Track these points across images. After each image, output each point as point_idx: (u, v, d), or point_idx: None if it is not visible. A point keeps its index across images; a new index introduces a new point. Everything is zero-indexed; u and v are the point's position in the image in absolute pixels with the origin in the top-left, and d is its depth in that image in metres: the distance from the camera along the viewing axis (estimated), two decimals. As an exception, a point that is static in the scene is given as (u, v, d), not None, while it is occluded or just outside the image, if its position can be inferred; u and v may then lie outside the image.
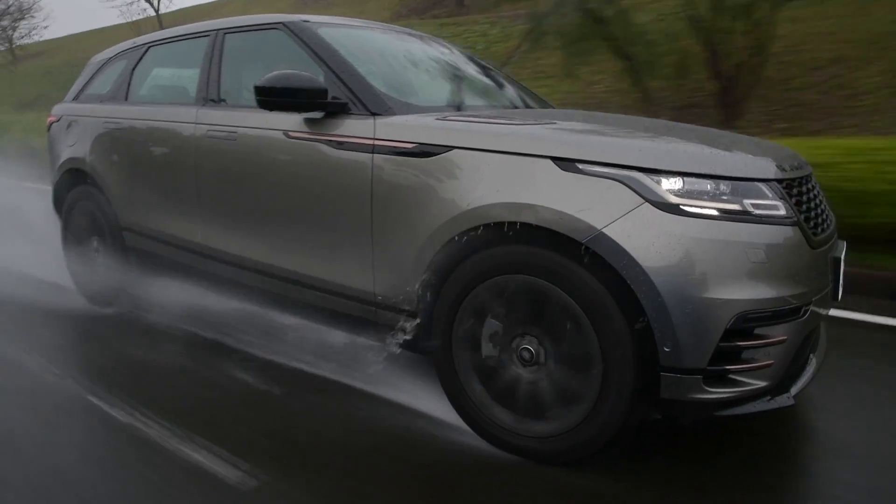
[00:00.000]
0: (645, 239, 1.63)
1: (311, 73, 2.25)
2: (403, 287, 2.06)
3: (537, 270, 1.78)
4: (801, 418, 2.18)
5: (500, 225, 1.82)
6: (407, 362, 2.40)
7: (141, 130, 3.05)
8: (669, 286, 1.61)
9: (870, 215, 3.65)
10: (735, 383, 1.69)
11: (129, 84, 3.34)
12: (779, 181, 1.78)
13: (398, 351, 2.15)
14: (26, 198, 5.35)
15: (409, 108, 2.22)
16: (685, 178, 1.68)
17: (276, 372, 2.50)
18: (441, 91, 2.73)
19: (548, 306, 1.79)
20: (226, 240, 2.64)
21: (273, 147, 2.41)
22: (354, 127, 2.18)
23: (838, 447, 2.01)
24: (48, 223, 3.79)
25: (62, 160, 3.51)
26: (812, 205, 1.92)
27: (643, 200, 1.65)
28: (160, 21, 29.17)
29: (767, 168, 1.79)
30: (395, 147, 2.06)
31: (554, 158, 1.76)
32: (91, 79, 3.63)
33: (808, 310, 1.76)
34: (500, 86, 2.99)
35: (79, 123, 3.45)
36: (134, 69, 3.35)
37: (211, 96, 2.79)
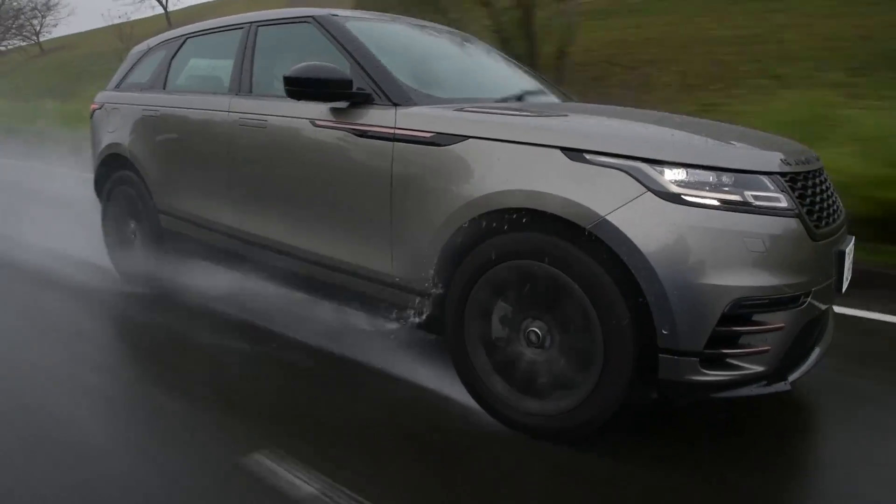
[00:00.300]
0: (646, 226, 1.74)
1: (337, 65, 2.40)
2: (420, 270, 2.20)
3: (545, 256, 1.90)
4: (807, 408, 2.26)
5: (510, 211, 1.95)
6: (422, 342, 2.54)
7: (177, 118, 3.25)
8: (668, 272, 1.71)
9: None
10: (732, 367, 1.79)
11: (167, 73, 3.55)
12: (782, 174, 1.86)
13: (415, 330, 2.30)
14: None
15: (429, 99, 2.36)
16: (688, 169, 1.78)
17: (297, 349, 2.67)
18: (462, 83, 2.85)
19: (554, 290, 1.91)
20: (255, 222, 2.81)
21: (300, 135, 2.58)
22: (377, 116, 2.32)
23: (838, 437, 2.08)
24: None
25: (103, 146, 3.74)
26: (818, 198, 1.99)
27: (645, 189, 1.76)
28: (168, 19, 30.88)
29: (771, 161, 1.88)
30: (414, 136, 2.19)
31: (562, 149, 1.88)
32: (132, 68, 3.86)
33: (806, 300, 1.84)
34: (522, 79, 3.10)
35: (119, 111, 3.67)
36: (172, 59, 3.56)
37: (243, 86, 2.97)
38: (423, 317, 2.23)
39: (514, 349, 2.03)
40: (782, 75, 8.13)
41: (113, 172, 3.70)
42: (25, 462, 1.84)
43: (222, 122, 2.94)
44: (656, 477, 1.82)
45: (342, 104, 2.41)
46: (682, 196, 1.75)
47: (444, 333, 2.19)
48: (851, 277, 2.21)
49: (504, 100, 2.72)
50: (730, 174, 1.80)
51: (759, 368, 1.80)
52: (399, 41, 2.88)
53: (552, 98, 3.05)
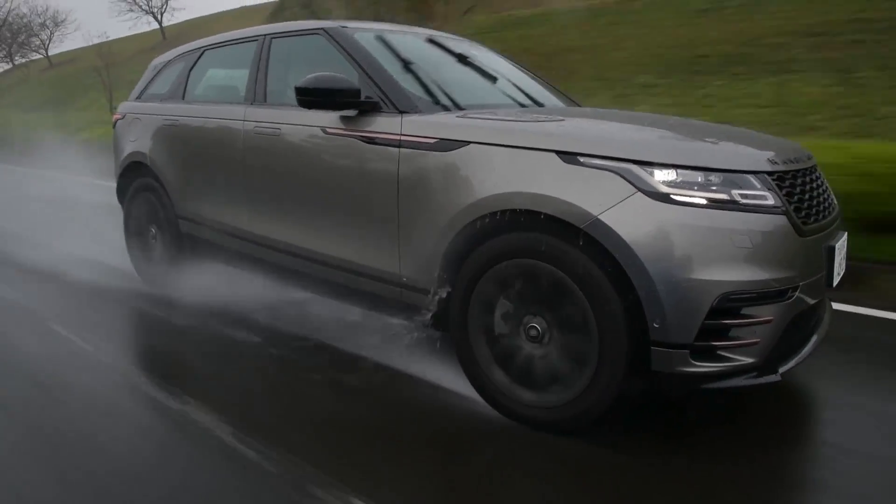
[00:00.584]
0: (636, 225, 1.86)
1: (346, 75, 2.55)
2: (426, 270, 2.34)
3: (542, 255, 2.03)
4: (801, 397, 2.36)
5: (510, 212, 2.08)
6: (429, 339, 2.68)
7: (196, 127, 3.44)
8: (658, 267, 1.84)
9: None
10: (722, 359, 1.90)
11: (185, 84, 3.75)
12: (769, 173, 1.97)
13: (422, 328, 2.44)
14: None
15: (434, 107, 2.51)
16: (677, 170, 1.90)
17: (308, 348, 2.83)
18: (467, 91, 2.99)
19: (552, 288, 2.04)
20: (269, 226, 2.98)
21: (312, 142, 2.74)
22: (384, 124, 2.47)
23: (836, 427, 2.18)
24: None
25: (125, 154, 3.95)
26: (807, 196, 2.10)
27: (636, 190, 1.88)
28: (163, 33, 34.14)
29: (758, 161, 1.99)
30: (418, 142, 2.34)
31: (558, 152, 2.01)
32: (153, 79, 4.07)
33: (794, 293, 1.95)
34: (527, 85, 3.23)
35: (140, 121, 3.88)
36: (190, 71, 3.76)
37: (258, 96, 3.14)
38: (430, 314, 2.37)
39: (514, 343, 2.16)
40: (609, 78, 10.73)
41: (134, 180, 3.90)
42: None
43: (238, 130, 3.12)
44: (654, 466, 1.93)
45: (351, 112, 2.57)
46: (671, 195, 1.87)
47: (450, 330, 2.33)
48: (845, 272, 2.31)
49: (508, 106, 2.85)
50: (717, 174, 1.91)
51: (750, 360, 1.91)
52: (407, 51, 3.03)
53: (557, 103, 3.18)
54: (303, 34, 3.09)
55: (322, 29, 2.94)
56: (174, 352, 2.96)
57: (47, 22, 40.04)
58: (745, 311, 1.90)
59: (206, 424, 2.16)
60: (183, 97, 3.72)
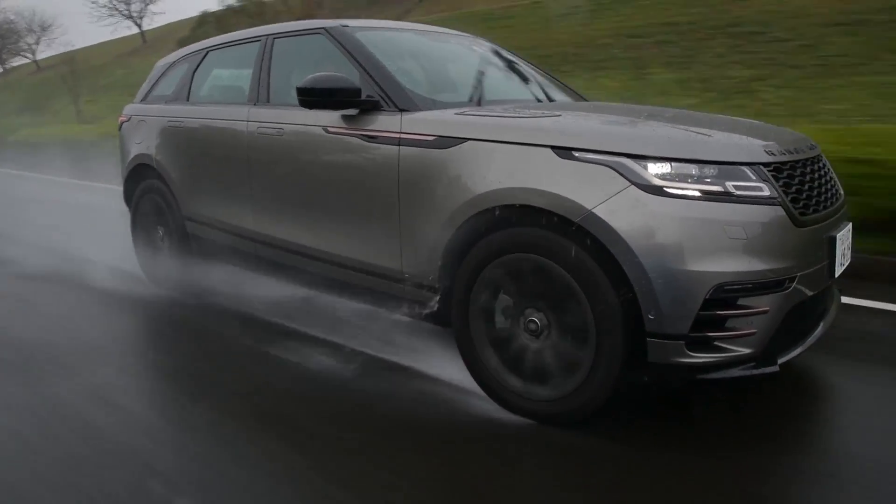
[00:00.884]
0: (630, 218, 1.97)
1: (347, 74, 2.69)
2: (427, 265, 2.47)
3: (540, 249, 2.15)
4: (802, 388, 2.45)
5: (507, 207, 2.20)
6: (431, 334, 2.82)
7: (200, 128, 3.60)
8: (652, 260, 1.94)
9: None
10: (718, 349, 2.00)
11: (190, 85, 3.92)
12: (765, 164, 2.07)
13: (424, 323, 2.57)
14: None
15: (434, 105, 2.63)
16: (671, 163, 2.01)
17: (312, 343, 2.97)
18: (468, 87, 3.12)
19: (550, 281, 2.15)
20: (274, 226, 3.13)
21: (314, 142, 2.88)
22: (384, 122, 2.61)
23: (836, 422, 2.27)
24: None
25: (131, 156, 4.14)
26: (806, 186, 2.19)
27: (629, 183, 1.99)
28: (144, 37, 36.40)
29: (754, 152, 2.09)
30: (418, 140, 2.47)
31: (553, 147, 2.13)
32: (157, 81, 4.25)
33: (791, 284, 2.04)
34: (529, 80, 3.35)
35: (146, 122, 4.06)
36: (195, 72, 3.93)
37: (261, 96, 3.30)
38: (432, 310, 2.50)
39: (514, 337, 2.28)
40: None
41: (141, 182, 4.09)
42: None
43: (242, 131, 3.27)
44: (652, 459, 2.03)
45: (352, 111, 2.71)
46: (665, 188, 1.97)
47: (452, 325, 2.46)
48: (850, 263, 2.40)
49: (509, 102, 2.97)
50: (712, 166, 2.01)
51: (747, 350, 2.01)
52: (409, 49, 3.17)
53: (560, 97, 3.30)
54: (304, 34, 3.24)
55: (323, 28, 3.08)
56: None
57: (34, 26, 42.76)
58: (741, 301, 1.99)
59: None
60: (188, 98, 3.89)
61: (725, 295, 1.96)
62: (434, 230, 2.42)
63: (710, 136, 2.16)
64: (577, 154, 2.09)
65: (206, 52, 3.91)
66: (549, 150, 2.14)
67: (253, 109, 3.28)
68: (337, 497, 1.87)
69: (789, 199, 2.07)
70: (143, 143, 4.03)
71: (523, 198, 2.15)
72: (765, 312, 2.00)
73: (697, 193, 1.98)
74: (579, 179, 2.06)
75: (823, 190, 2.29)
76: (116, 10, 39.33)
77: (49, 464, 2.05)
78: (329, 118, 2.80)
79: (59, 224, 6.11)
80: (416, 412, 2.34)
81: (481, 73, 3.27)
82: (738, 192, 1.99)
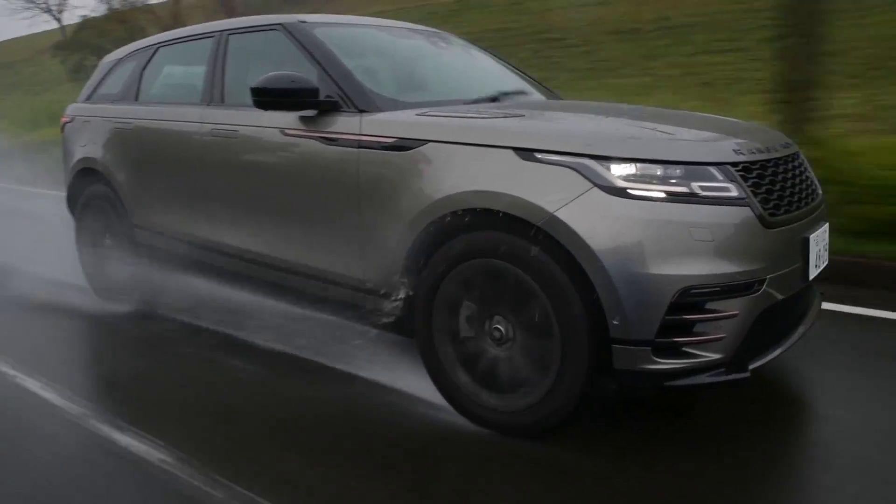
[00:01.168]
0: (592, 220, 2.00)
1: (305, 73, 2.70)
2: (388, 273, 2.48)
3: (503, 254, 2.17)
4: (769, 395, 2.52)
5: (469, 212, 2.23)
6: (392, 344, 2.83)
7: (150, 130, 3.57)
8: (615, 263, 1.98)
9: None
10: (686, 355, 2.04)
11: (139, 84, 3.88)
12: (733, 164, 2.12)
13: (384, 333, 2.58)
14: None
15: (395, 105, 2.65)
16: (635, 164, 2.05)
17: (269, 357, 2.97)
18: (434, 85, 3.15)
19: (513, 287, 2.18)
20: (229, 233, 3.12)
21: (270, 144, 2.88)
22: (343, 124, 2.62)
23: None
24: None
25: (75, 160, 4.07)
26: (778, 186, 2.24)
27: (592, 185, 2.03)
28: (64, 31, 35.16)
29: (721, 152, 2.15)
30: (377, 142, 2.49)
31: (515, 149, 2.16)
32: (103, 79, 4.20)
33: (761, 287, 2.09)
34: (497, 78, 3.39)
35: (91, 124, 4.01)
36: (144, 69, 3.89)
37: (215, 96, 3.29)
38: (394, 319, 2.52)
39: (479, 346, 2.30)
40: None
41: (86, 187, 4.02)
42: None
43: (195, 133, 3.26)
44: (622, 467, 2.07)
45: (310, 112, 2.71)
46: (628, 190, 2.02)
47: (414, 334, 2.47)
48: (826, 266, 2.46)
49: (476, 101, 3.01)
50: (677, 166, 2.06)
51: (716, 356, 2.05)
52: (371, 46, 3.18)
53: (533, 96, 3.34)
54: (261, 30, 3.23)
55: (280, 24, 3.08)
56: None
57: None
58: (709, 305, 2.04)
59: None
60: (136, 98, 3.86)
61: (692, 299, 2.01)
62: (395, 236, 2.43)
63: (675, 135, 2.21)
64: (539, 155, 2.13)
65: (157, 48, 3.88)
66: (510, 151, 2.17)
67: (206, 110, 3.26)
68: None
69: (759, 199, 2.11)
70: (88, 146, 3.98)
71: (485, 201, 2.18)
72: (734, 316, 2.05)
73: (662, 195, 2.03)
74: (541, 181, 2.10)
75: (797, 189, 2.34)
76: (33, 2, 38.33)
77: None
78: (286, 119, 2.80)
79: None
80: (378, 424, 2.35)
81: (446, 71, 3.30)
82: (704, 193, 2.04)
